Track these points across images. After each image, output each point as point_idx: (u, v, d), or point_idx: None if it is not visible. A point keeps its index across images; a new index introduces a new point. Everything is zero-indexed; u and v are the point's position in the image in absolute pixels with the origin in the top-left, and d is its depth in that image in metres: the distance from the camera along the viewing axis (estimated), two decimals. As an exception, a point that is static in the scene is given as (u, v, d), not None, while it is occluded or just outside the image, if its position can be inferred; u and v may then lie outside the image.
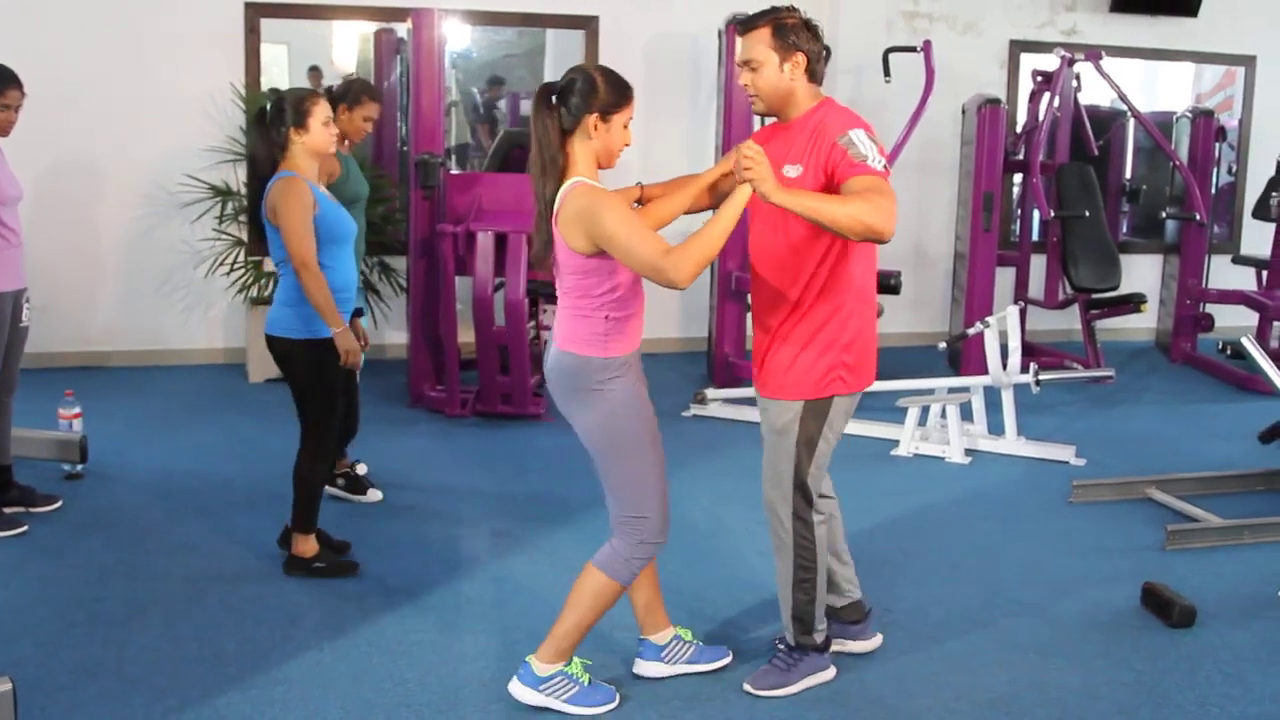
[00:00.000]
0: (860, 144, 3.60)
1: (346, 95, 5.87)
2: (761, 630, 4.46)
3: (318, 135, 4.71)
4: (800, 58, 3.74)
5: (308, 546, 4.92)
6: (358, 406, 5.78)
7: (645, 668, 4.08)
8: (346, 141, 5.86)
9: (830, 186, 3.62)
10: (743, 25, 3.82)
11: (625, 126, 3.64)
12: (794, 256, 3.77)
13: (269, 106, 4.74)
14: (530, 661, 3.86)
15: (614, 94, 3.60)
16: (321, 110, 4.72)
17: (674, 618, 4.22)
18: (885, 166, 3.60)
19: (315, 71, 8.91)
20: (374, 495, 5.87)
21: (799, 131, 3.76)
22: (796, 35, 3.74)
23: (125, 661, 4.10)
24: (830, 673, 4.10)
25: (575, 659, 3.92)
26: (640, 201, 4.00)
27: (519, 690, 3.88)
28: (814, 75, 3.80)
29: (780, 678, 4.01)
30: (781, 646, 4.12)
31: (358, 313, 5.07)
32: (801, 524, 3.92)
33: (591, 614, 3.83)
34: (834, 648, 4.19)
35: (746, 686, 4.00)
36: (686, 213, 4.03)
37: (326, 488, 5.92)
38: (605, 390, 3.67)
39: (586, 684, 3.90)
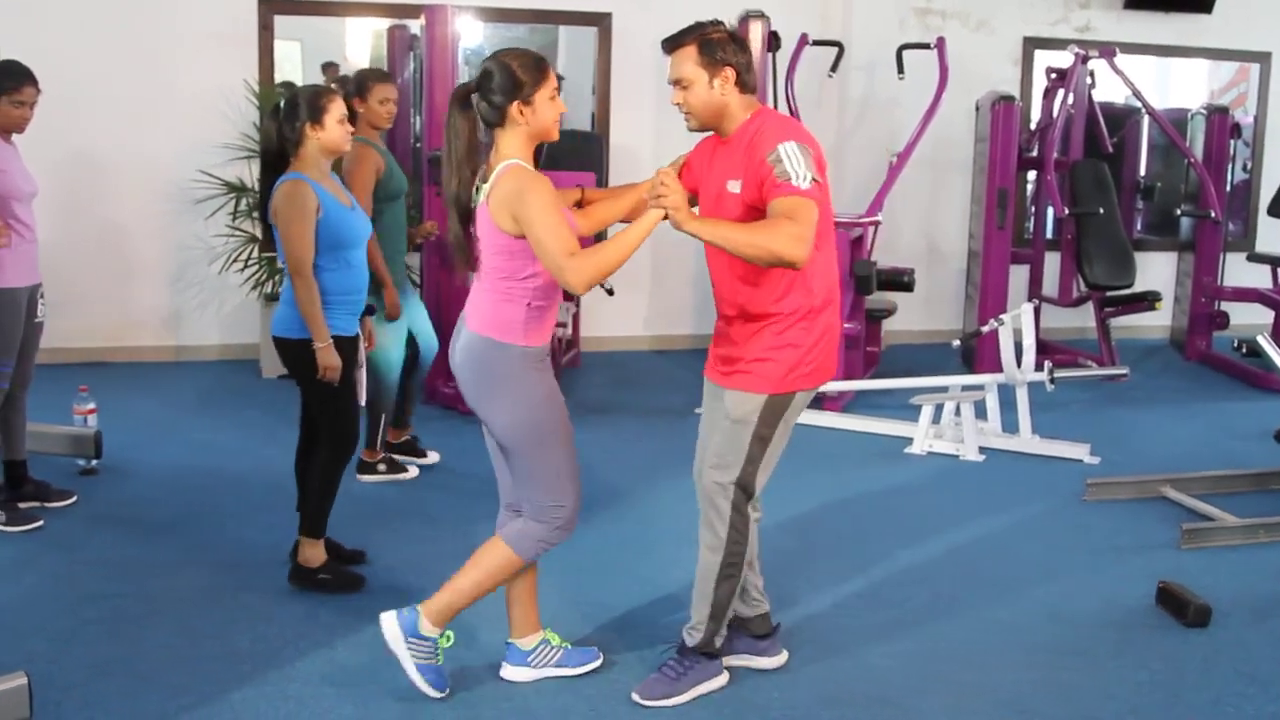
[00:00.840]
0: (788, 160, 3.53)
1: (356, 88, 5.93)
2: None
3: (334, 132, 4.65)
4: (729, 72, 3.69)
5: (315, 554, 4.80)
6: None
7: (512, 672, 4.06)
8: (377, 130, 5.96)
9: (759, 205, 3.60)
10: (669, 44, 3.76)
11: (552, 99, 3.67)
12: (746, 269, 3.73)
13: (283, 102, 4.71)
14: (418, 610, 3.90)
15: (529, 75, 3.62)
16: (338, 107, 4.67)
17: (664, 611, 4.21)
18: (814, 180, 3.53)
19: (331, 67, 8.92)
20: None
21: (736, 145, 3.73)
22: (723, 49, 3.69)
23: (139, 658, 4.11)
24: (723, 678, 4.03)
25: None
26: (580, 204, 4.06)
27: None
28: (745, 86, 3.75)
29: (669, 686, 3.94)
30: (673, 654, 4.04)
31: (368, 309, 5.07)
32: (739, 517, 3.87)
33: (488, 584, 3.92)
34: (741, 663, 4.14)
35: (635, 696, 3.94)
36: (623, 220, 4.03)
37: (371, 476, 6.04)
38: (525, 380, 3.72)
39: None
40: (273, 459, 6.11)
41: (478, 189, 3.68)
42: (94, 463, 6.06)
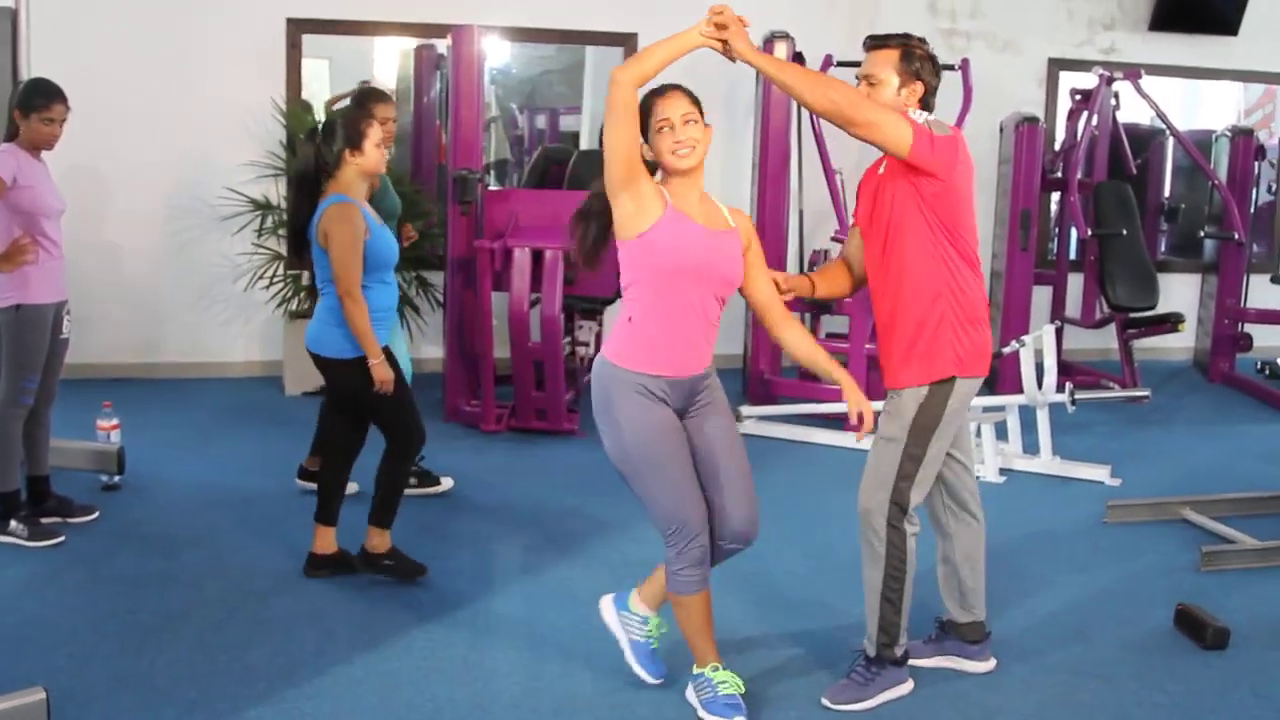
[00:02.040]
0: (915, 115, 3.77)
1: (356, 104, 5.97)
2: (786, 649, 4.46)
3: (371, 157, 4.78)
4: (919, 87, 3.84)
5: (382, 542, 5.01)
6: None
7: (606, 608, 4.20)
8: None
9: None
10: (873, 41, 3.90)
11: (659, 131, 3.77)
12: (894, 270, 3.89)
13: (321, 126, 4.80)
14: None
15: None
16: (376, 132, 4.80)
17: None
18: (928, 123, 3.75)
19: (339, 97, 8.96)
20: (446, 483, 6.21)
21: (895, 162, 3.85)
22: (922, 65, 3.84)
23: (157, 673, 4.13)
24: (908, 686, 4.10)
25: (653, 618, 4.11)
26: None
27: (605, 607, 4.22)
28: (925, 108, 3.88)
29: (858, 691, 4.01)
30: (861, 660, 4.10)
31: None
32: (895, 533, 3.94)
33: (688, 625, 3.90)
34: (950, 664, 4.25)
35: (824, 701, 4.01)
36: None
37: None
38: (617, 407, 3.76)
39: (642, 641, 4.13)
40: (293, 475, 6.15)
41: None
42: (116, 479, 6.10)
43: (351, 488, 5.48)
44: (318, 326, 4.85)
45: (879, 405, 3.95)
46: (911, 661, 4.18)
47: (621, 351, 3.74)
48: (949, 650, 4.28)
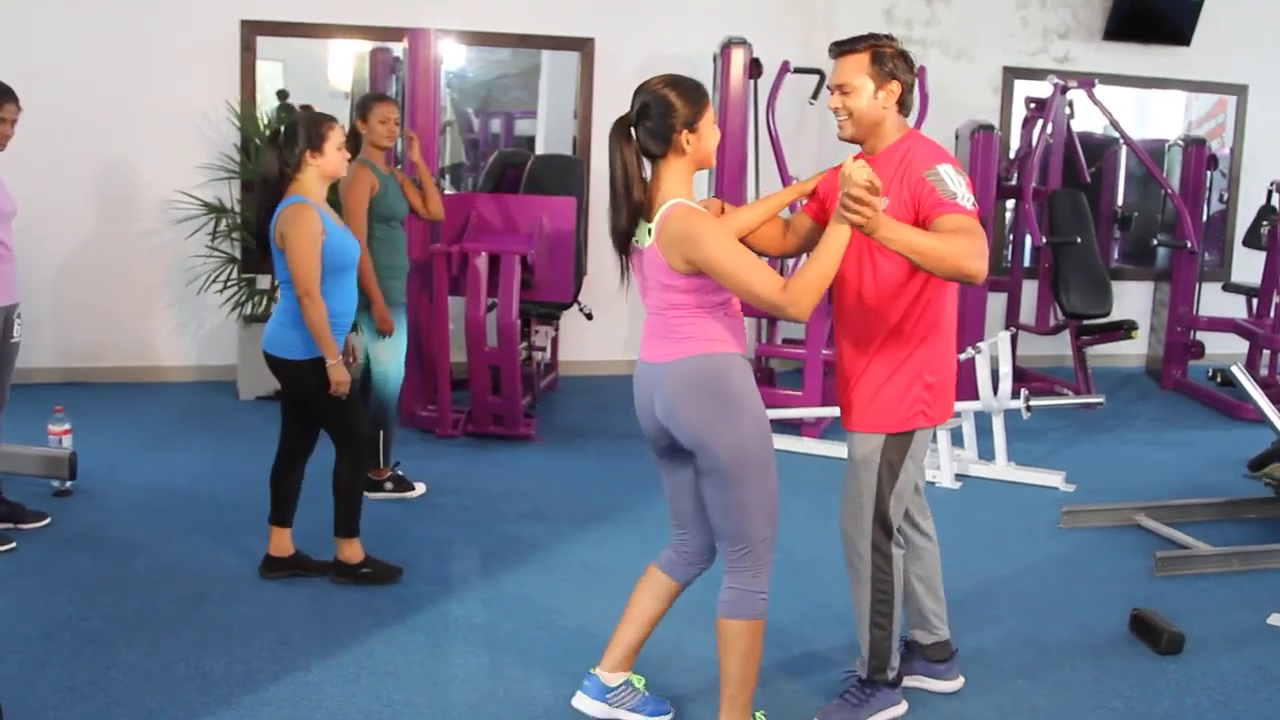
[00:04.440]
0: (949, 180, 3.54)
1: (358, 111, 6.09)
2: (771, 669, 4.45)
3: (332, 159, 4.78)
4: (895, 86, 3.70)
5: (354, 552, 5.03)
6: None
7: (587, 704, 3.90)
8: (380, 151, 6.05)
9: (917, 223, 3.54)
10: (840, 48, 3.76)
11: (713, 124, 3.53)
12: (880, 292, 3.74)
13: (283, 128, 4.80)
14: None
15: (693, 102, 3.46)
16: (337, 134, 4.80)
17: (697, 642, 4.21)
18: (974, 204, 3.55)
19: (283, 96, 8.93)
20: (420, 488, 6.26)
21: (886, 164, 3.68)
22: (894, 64, 3.70)
23: (112, 681, 4.08)
24: (902, 707, 4.06)
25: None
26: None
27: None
28: (904, 106, 3.77)
29: (852, 713, 3.97)
30: (854, 682, 4.07)
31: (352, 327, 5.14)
32: (880, 556, 3.89)
33: (755, 662, 3.67)
34: (916, 684, 4.20)
35: None
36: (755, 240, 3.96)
37: (378, 494, 6.11)
38: (750, 400, 3.51)
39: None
40: (249, 481, 6.11)
41: (638, 227, 3.54)
42: (69, 484, 6.03)
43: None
44: (274, 327, 4.84)
45: (834, 411, 3.91)
46: None
47: (732, 340, 3.53)
48: (915, 670, 4.24)
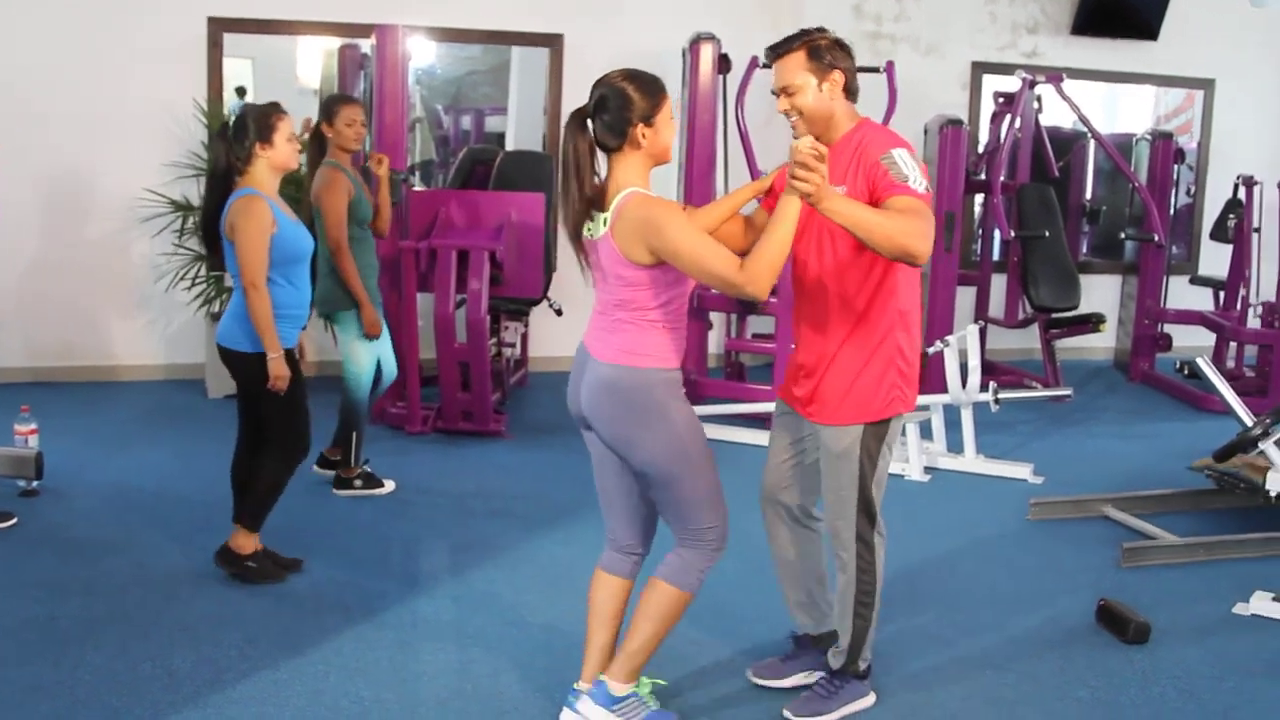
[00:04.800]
0: (902, 163, 3.55)
1: (324, 113, 6.06)
2: (738, 660, 4.46)
3: (282, 150, 4.75)
4: (838, 75, 3.69)
5: (247, 543, 4.98)
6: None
7: (591, 709, 3.78)
8: (347, 153, 6.06)
9: (871, 205, 3.55)
10: (775, 51, 3.75)
11: (670, 119, 3.54)
12: (843, 278, 3.73)
13: (232, 121, 4.75)
14: (605, 680, 3.75)
15: (650, 96, 3.48)
16: (286, 125, 4.77)
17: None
18: (927, 189, 3.56)
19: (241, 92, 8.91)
20: (389, 485, 6.24)
21: (841, 152, 3.69)
22: (831, 54, 3.69)
23: (78, 682, 4.06)
24: (870, 699, 4.06)
25: (644, 679, 3.86)
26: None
27: (590, 710, 3.77)
28: (851, 93, 3.76)
29: (821, 704, 3.97)
30: (822, 674, 4.08)
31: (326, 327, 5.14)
32: (864, 545, 3.89)
33: (664, 629, 3.72)
34: (803, 680, 4.16)
35: (787, 713, 3.97)
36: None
37: (347, 491, 6.10)
38: (670, 406, 3.58)
39: (652, 708, 3.85)
40: (217, 479, 6.05)
41: (593, 219, 3.55)
42: (35, 484, 5.99)
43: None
44: (226, 320, 4.84)
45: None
46: (771, 683, 4.17)
47: (663, 356, 3.57)
48: (809, 665, 4.19)
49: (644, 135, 3.48)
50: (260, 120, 4.72)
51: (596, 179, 3.54)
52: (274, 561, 5.04)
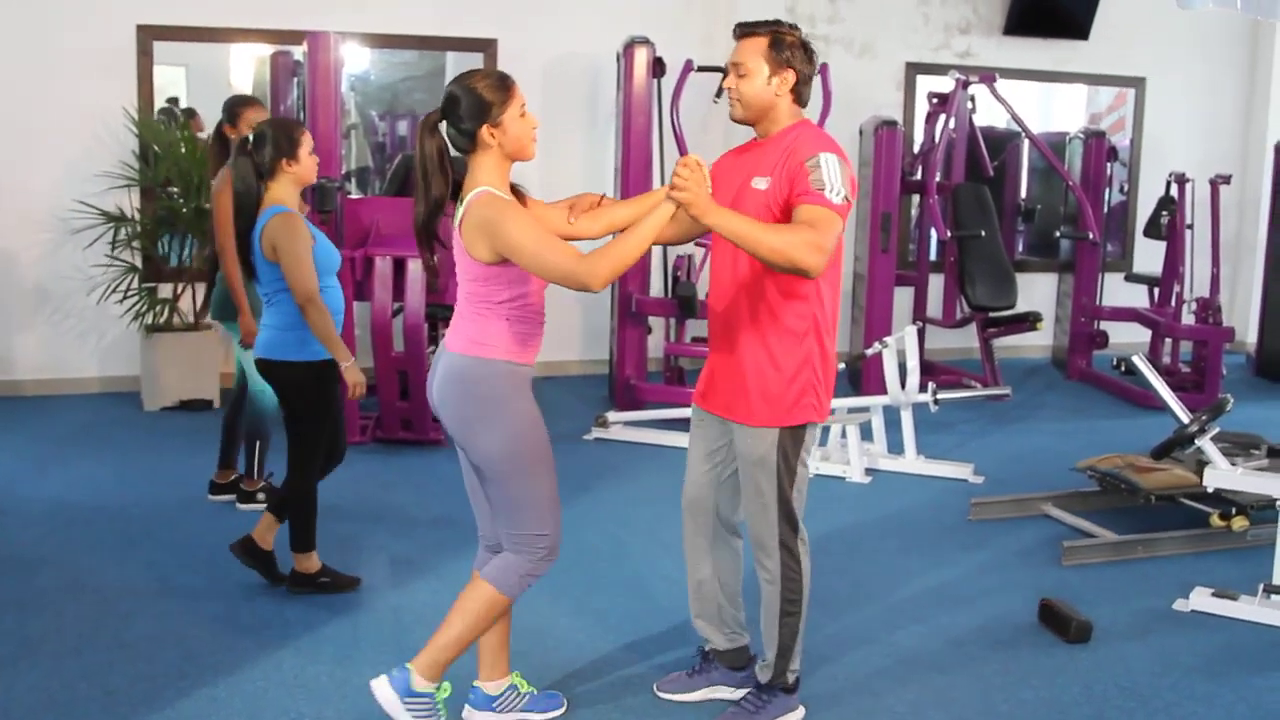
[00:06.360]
0: (826, 169, 3.54)
1: (227, 115, 5.99)
2: (665, 655, 4.45)
3: (306, 164, 4.78)
4: (790, 75, 3.69)
5: (311, 563, 4.99)
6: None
7: (476, 717, 3.91)
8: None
9: (787, 205, 3.58)
10: (743, 29, 3.76)
11: (522, 116, 3.57)
12: (756, 282, 3.71)
13: (253, 135, 4.75)
14: (409, 669, 3.72)
15: (495, 95, 3.52)
16: (309, 139, 4.80)
17: (577, 642, 4.19)
18: (846, 199, 3.54)
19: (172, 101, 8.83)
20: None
21: (773, 147, 3.71)
22: (792, 53, 3.69)
23: (13, 703, 3.99)
24: (800, 712, 4.02)
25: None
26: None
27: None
28: (799, 97, 3.76)
29: (748, 719, 3.95)
30: (749, 689, 4.03)
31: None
32: (788, 553, 3.85)
33: (477, 628, 3.74)
34: (720, 696, 4.12)
35: None
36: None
37: (248, 505, 5.97)
38: (512, 402, 3.59)
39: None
40: (155, 493, 6.02)
41: (452, 217, 3.59)
42: (-33, 500, 5.91)
43: None
44: (267, 334, 4.82)
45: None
46: (677, 697, 4.13)
47: (509, 349, 3.59)
48: (716, 680, 4.15)
49: (492, 135, 3.53)
50: (284, 135, 4.72)
51: (449, 179, 3.60)
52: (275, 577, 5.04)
